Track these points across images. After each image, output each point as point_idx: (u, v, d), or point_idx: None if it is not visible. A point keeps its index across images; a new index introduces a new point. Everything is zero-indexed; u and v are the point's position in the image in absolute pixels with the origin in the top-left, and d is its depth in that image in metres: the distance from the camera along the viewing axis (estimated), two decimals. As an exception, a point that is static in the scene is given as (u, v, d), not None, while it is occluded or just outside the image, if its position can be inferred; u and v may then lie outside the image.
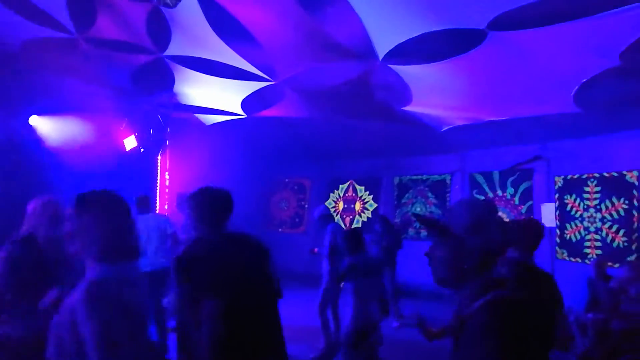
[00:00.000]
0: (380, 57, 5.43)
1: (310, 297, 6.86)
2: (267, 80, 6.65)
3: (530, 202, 8.98)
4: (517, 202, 9.16)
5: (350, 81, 6.10)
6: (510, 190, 9.28)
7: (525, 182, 9.09)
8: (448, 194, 10.13)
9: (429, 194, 10.42)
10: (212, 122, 8.78)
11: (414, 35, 4.87)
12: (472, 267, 1.51)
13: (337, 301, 6.19)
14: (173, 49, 6.33)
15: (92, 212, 1.80)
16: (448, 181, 10.25)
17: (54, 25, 5.81)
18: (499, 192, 9.43)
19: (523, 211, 9.00)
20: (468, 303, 1.47)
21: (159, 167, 8.58)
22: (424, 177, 10.58)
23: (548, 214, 8.05)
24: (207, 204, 2.70)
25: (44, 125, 7.15)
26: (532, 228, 3.13)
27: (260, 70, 6.42)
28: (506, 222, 1.51)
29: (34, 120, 7.12)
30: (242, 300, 2.53)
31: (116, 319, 1.67)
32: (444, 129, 8.08)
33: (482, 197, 9.51)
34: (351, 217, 11.49)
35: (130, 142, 7.97)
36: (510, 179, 9.29)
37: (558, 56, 4.86)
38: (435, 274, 1.58)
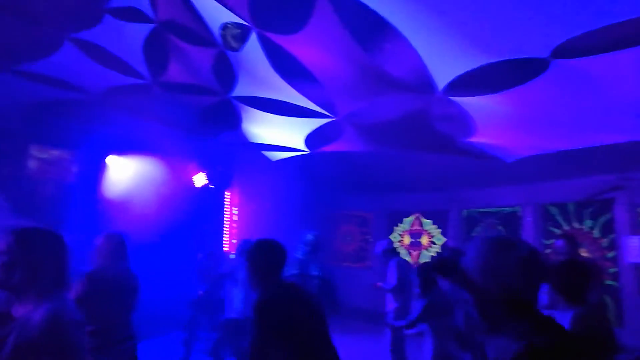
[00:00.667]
0: (440, 89, 5.39)
1: (374, 335, 6.72)
2: (328, 116, 6.78)
3: (612, 236, 8.38)
4: (596, 235, 8.58)
5: (409, 114, 6.09)
6: (589, 222, 8.73)
7: (605, 214, 8.52)
8: (520, 227, 9.69)
9: (500, 227, 10.02)
10: (277, 159, 9.02)
11: (474, 66, 4.82)
12: (497, 316, 1.36)
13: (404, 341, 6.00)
14: (239, 90, 6.64)
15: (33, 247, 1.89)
16: (519, 213, 9.81)
17: (132, 72, 6.29)
18: (576, 225, 8.89)
19: (604, 245, 8.41)
20: (502, 352, 1.32)
21: (227, 203, 8.88)
22: (493, 209, 10.21)
23: (633, 249, 7.47)
24: (264, 257, 2.90)
25: (120, 164, 7.66)
26: (572, 270, 2.77)
27: (322, 108, 6.56)
28: (539, 262, 1.26)
29: (111, 160, 7.66)
30: (310, 342, 2.65)
31: None
32: (511, 160, 7.80)
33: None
34: (418, 251, 11.24)
35: (200, 179, 8.33)
36: (588, 211, 8.75)
37: (628, 81, 4.60)
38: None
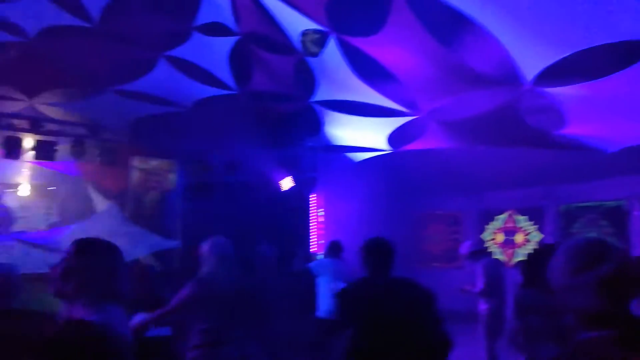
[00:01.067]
0: (529, 80, 5.12)
1: (467, 337, 6.51)
2: (410, 114, 6.69)
3: None
4: None
5: (497, 108, 5.84)
6: None
7: None
8: (627, 222, 8.91)
9: (603, 222, 9.28)
10: (360, 159, 9.05)
11: (567, 53, 4.52)
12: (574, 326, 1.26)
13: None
14: (320, 95, 6.76)
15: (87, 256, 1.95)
16: (625, 207, 9.03)
17: (219, 84, 6.62)
18: (694, 219, 8.02)
19: None
20: None
21: (313, 205, 9.05)
22: (594, 203, 9.48)
23: None
24: (371, 252, 3.04)
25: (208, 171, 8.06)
26: None
27: (403, 106, 6.49)
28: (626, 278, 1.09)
29: (203, 166, 8.11)
30: (384, 341, 2.73)
31: None
32: (613, 150, 7.21)
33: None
34: (512, 249, 10.72)
35: (286, 183, 8.56)
36: None
37: None
38: None
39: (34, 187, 7.84)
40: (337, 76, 6.10)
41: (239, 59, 6.19)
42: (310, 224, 8.94)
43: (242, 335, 3.64)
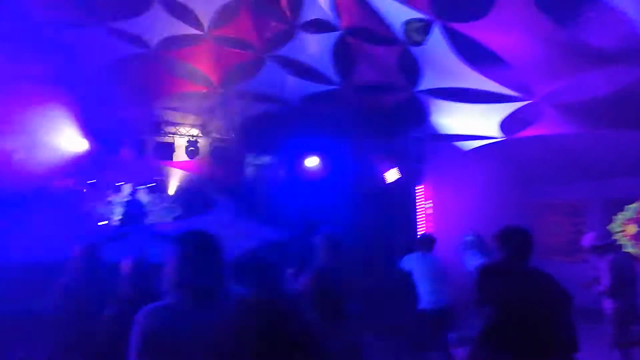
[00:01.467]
0: (663, 55, 4.57)
1: (592, 336, 6.01)
2: (522, 99, 6.29)
3: None
4: None
5: (622, 89, 5.29)
6: None
7: None
8: None
9: None
10: (470, 148, 8.69)
11: None
12: None
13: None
14: (425, 84, 6.61)
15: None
16: None
17: (323, 79, 6.75)
18: None
19: None
20: None
21: (420, 197, 8.89)
22: None
23: None
24: (509, 239, 3.08)
25: (317, 165, 8.24)
26: None
27: (515, 91, 6.12)
28: None
29: (310, 161, 8.33)
30: (518, 328, 2.80)
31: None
32: None
33: None
34: (646, 242, 9.66)
35: (391, 175, 8.49)
36: None
37: None
38: None
39: (161, 184, 8.65)
40: (442, 64, 5.92)
41: (341, 54, 6.25)
42: (418, 217, 8.80)
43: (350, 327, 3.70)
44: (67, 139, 6.77)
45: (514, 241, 3.05)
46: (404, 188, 8.61)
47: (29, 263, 6.05)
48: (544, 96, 6.08)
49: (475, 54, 5.42)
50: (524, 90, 6.09)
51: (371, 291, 7.14)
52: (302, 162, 8.47)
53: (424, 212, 8.88)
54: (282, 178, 8.44)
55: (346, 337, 3.57)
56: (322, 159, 8.42)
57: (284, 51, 6.27)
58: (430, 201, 9.05)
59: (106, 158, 7.29)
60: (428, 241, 6.07)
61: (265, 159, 8.63)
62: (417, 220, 8.80)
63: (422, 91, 6.78)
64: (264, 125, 7.84)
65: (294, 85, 6.84)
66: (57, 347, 3.96)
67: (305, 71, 6.61)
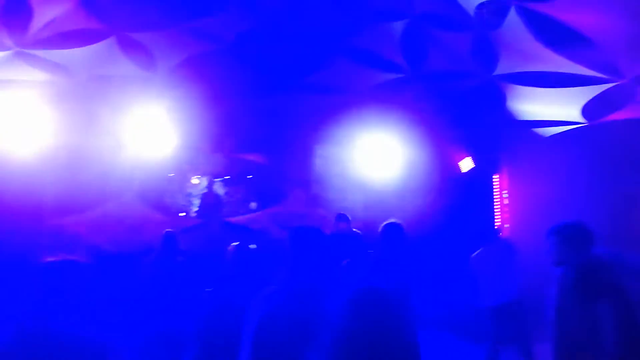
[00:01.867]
0: None
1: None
2: (610, 81, 5.85)
3: None
4: None
5: None
6: None
7: None
8: None
9: None
10: (550, 134, 8.21)
11: None
12: None
13: None
14: (501, 69, 6.32)
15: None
16: None
17: (392, 68, 6.64)
18: None
19: None
20: None
21: (496, 187, 8.53)
22: None
23: None
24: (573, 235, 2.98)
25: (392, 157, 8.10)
26: None
27: (601, 72, 5.70)
28: None
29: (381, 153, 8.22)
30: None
31: None
32: None
33: None
34: None
35: (466, 164, 8.22)
36: None
37: None
38: None
39: (235, 177, 8.94)
40: (520, 47, 5.63)
41: (412, 41, 6.11)
42: (494, 207, 8.46)
43: None
44: (152, 138, 7.17)
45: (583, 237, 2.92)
46: (479, 177, 8.31)
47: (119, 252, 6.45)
48: (635, 77, 5.62)
49: (555, 35, 5.10)
50: (612, 72, 5.66)
51: (441, 283, 7.00)
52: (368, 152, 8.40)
53: (500, 202, 8.53)
54: (352, 169, 8.41)
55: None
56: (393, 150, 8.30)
57: (353, 42, 6.23)
58: (507, 191, 8.66)
59: (185, 152, 7.62)
60: (495, 233, 5.96)
61: (334, 150, 8.64)
62: (493, 211, 8.47)
63: (498, 77, 6.50)
64: (333, 116, 7.85)
65: (363, 75, 6.78)
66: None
67: (374, 60, 6.53)
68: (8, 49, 5.60)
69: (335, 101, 7.43)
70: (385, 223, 3.93)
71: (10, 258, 6.00)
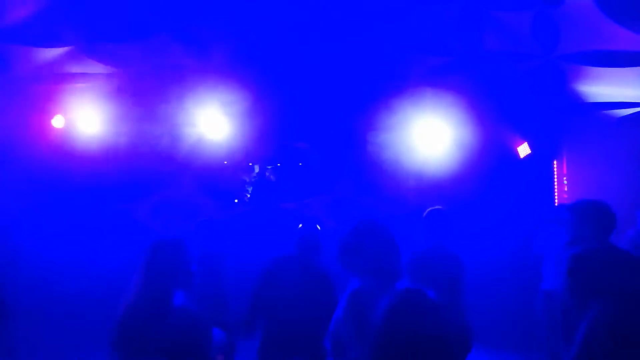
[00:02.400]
0: None
1: None
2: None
3: None
4: None
5: None
6: None
7: None
8: None
9: None
10: (618, 117, 7.75)
11: None
12: None
13: None
14: (563, 48, 6.01)
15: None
16: None
17: (447, 51, 6.43)
18: None
19: None
20: None
21: (555, 173, 8.17)
22: None
23: None
24: (592, 217, 2.77)
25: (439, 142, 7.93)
26: None
27: (676, 49, 5.31)
28: None
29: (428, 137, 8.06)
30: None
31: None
32: None
33: None
34: None
35: (523, 150, 7.91)
36: None
37: None
38: None
39: (287, 165, 9.05)
40: (585, 24, 5.32)
41: (464, 23, 5.90)
42: (554, 195, 8.11)
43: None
44: (207, 125, 7.34)
45: (600, 216, 2.72)
46: (538, 163, 7.98)
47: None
48: None
49: (627, 10, 4.78)
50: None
51: (499, 272, 6.79)
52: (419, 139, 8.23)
53: (560, 190, 8.16)
54: (402, 155, 8.28)
55: (456, 318, 3.42)
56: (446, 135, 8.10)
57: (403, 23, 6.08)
58: (567, 178, 8.28)
59: (239, 140, 7.76)
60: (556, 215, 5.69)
61: (385, 137, 8.52)
62: (553, 199, 8.13)
63: (560, 57, 6.18)
64: (384, 102, 7.74)
65: (415, 58, 6.62)
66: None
67: (426, 43, 6.36)
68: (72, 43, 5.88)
69: (388, 86, 7.31)
70: (429, 210, 3.78)
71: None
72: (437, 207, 3.73)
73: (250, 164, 9.09)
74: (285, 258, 3.54)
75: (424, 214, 3.70)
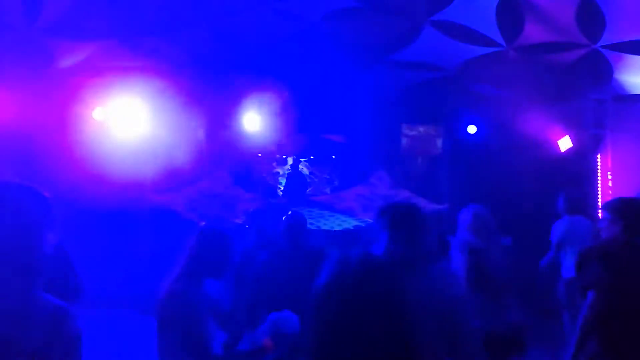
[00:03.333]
0: None
1: None
2: None
3: None
4: None
5: None
6: None
7: None
8: None
9: None
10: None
11: None
12: None
13: None
14: (609, 37, 5.79)
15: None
16: None
17: (486, 42, 6.29)
18: None
19: None
20: None
21: (599, 168, 7.88)
22: None
23: None
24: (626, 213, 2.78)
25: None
26: None
27: None
28: None
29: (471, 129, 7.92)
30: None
31: None
32: None
33: None
34: None
35: (564, 143, 7.67)
36: None
37: None
38: None
39: (320, 157, 9.04)
40: (633, 12, 5.11)
41: (507, 13, 5.74)
42: (597, 191, 7.84)
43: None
44: (242, 118, 7.41)
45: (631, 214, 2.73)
46: (581, 158, 7.72)
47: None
48: None
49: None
50: None
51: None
52: (460, 132, 8.07)
53: (603, 185, 7.89)
54: (440, 148, 8.15)
55: (507, 317, 3.36)
56: (484, 127, 7.92)
57: (442, 15, 5.96)
58: (611, 173, 7.99)
59: (272, 133, 7.79)
60: (576, 202, 5.67)
61: (423, 129, 8.39)
62: (596, 194, 7.86)
63: (605, 46, 5.96)
64: (420, 94, 7.62)
65: (454, 50, 6.48)
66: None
67: (465, 35, 6.22)
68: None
69: (423, 77, 7.21)
70: (467, 208, 3.73)
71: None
72: (477, 205, 3.66)
73: (284, 156, 9.12)
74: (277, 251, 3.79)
75: (465, 210, 3.64)
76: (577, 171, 7.56)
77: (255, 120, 7.49)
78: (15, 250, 1.32)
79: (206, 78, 6.92)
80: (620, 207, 2.79)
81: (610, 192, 7.77)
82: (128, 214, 7.13)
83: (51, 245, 1.42)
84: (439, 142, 8.25)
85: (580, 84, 6.93)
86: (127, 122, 7.08)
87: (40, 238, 1.37)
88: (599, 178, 7.87)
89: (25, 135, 6.77)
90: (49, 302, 1.36)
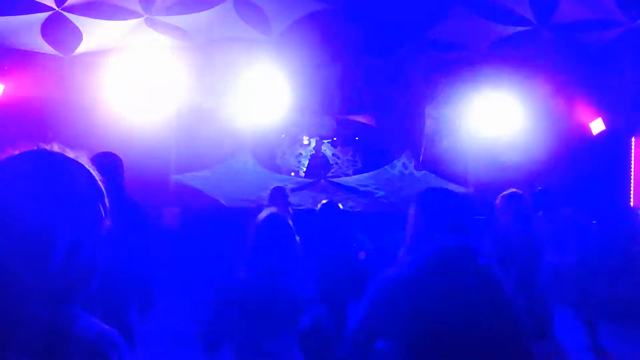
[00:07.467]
0: None
1: None
2: None
3: None
4: None
5: None
6: None
7: None
8: None
9: None
10: None
11: None
12: None
13: None
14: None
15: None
16: None
17: (518, 21, 6.06)
18: None
19: None
20: None
21: (632, 151, 7.63)
22: None
23: None
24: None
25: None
26: None
27: None
28: None
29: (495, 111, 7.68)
30: None
31: None
32: None
33: None
34: None
35: (597, 126, 7.44)
36: None
37: None
38: None
39: (343, 138, 8.97)
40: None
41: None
42: (630, 174, 7.61)
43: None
44: (266, 100, 7.33)
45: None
46: (615, 141, 7.49)
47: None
48: None
49: None
50: None
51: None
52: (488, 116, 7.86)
53: (637, 169, 7.65)
54: (466, 131, 7.95)
55: (532, 306, 3.28)
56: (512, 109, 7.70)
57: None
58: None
59: (296, 114, 7.71)
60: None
61: (446, 111, 8.20)
62: (629, 178, 7.64)
63: (644, 24, 5.68)
64: (446, 75, 7.42)
65: (484, 29, 6.26)
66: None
67: (497, 13, 6.00)
68: (139, 16, 5.96)
69: (453, 58, 7.01)
70: (503, 194, 3.60)
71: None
72: (512, 190, 3.54)
73: (307, 137, 9.06)
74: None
75: (499, 198, 3.52)
76: (611, 155, 7.34)
77: (280, 100, 7.39)
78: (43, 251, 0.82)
79: (233, 54, 6.79)
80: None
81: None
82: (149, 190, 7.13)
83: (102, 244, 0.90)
84: (467, 125, 8.05)
85: (615, 63, 6.66)
86: (151, 101, 7.08)
87: (90, 232, 0.89)
88: (633, 162, 7.63)
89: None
90: (89, 329, 0.87)
